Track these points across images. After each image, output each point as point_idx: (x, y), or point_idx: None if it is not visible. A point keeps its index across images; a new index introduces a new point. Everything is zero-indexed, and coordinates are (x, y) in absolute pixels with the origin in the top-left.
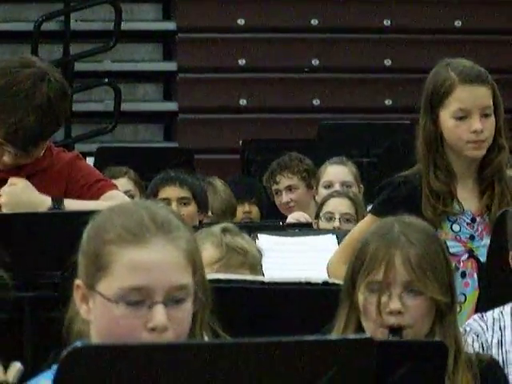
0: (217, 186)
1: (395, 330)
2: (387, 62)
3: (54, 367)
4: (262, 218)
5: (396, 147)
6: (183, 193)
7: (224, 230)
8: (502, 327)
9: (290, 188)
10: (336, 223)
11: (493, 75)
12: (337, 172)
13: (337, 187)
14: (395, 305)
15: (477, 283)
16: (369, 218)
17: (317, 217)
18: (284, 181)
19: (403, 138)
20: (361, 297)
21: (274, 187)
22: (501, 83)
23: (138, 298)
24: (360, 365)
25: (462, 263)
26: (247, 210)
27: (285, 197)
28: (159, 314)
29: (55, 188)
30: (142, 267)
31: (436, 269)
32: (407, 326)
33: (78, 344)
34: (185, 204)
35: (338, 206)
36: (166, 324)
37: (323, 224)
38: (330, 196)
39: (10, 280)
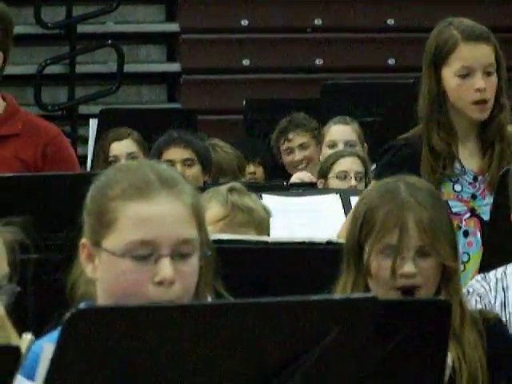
0: (223, 147)
1: (407, 291)
2: (390, 22)
3: (59, 329)
4: (267, 179)
5: (399, 106)
6: (187, 154)
7: (231, 189)
8: (505, 287)
9: (302, 146)
10: (353, 182)
11: (495, 34)
12: (340, 131)
13: (340, 146)
14: (410, 268)
15: (480, 242)
16: (374, 183)
17: (323, 176)
18: (297, 138)
19: (406, 97)
20: (373, 261)
21: (286, 145)
22: (503, 41)
23: (144, 252)
24: (364, 324)
25: (464, 222)
26: (252, 171)
27: (298, 154)
28: (166, 267)
29: (30, 153)
30: (148, 221)
31: (445, 231)
32: (419, 287)
33: (82, 306)
34: (189, 165)
35: (352, 164)
36: (172, 277)
37: (336, 183)
38: (340, 155)
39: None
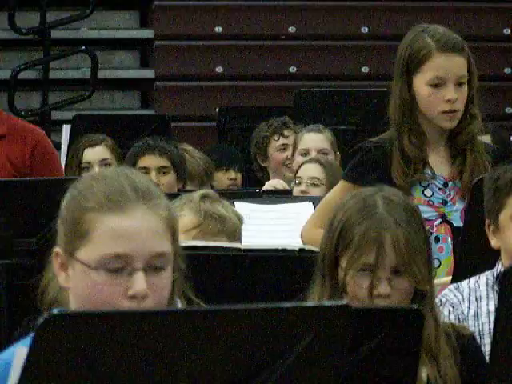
0: (190, 151)
1: None
2: (364, 30)
3: (31, 335)
4: (244, 186)
5: (373, 114)
6: (162, 162)
7: (203, 197)
8: (478, 298)
9: (294, 146)
10: (303, 187)
11: (468, 42)
12: (313, 139)
13: (313, 155)
14: (385, 289)
15: (451, 248)
16: (341, 183)
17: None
18: (292, 137)
19: (380, 106)
20: (350, 280)
21: (281, 141)
22: (477, 50)
23: (118, 265)
24: (337, 331)
25: (435, 228)
26: (233, 177)
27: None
28: (139, 281)
29: (18, 155)
30: (123, 234)
31: (420, 251)
32: None
33: (55, 311)
34: (164, 173)
35: (307, 170)
36: (145, 291)
37: (295, 190)
38: (303, 163)
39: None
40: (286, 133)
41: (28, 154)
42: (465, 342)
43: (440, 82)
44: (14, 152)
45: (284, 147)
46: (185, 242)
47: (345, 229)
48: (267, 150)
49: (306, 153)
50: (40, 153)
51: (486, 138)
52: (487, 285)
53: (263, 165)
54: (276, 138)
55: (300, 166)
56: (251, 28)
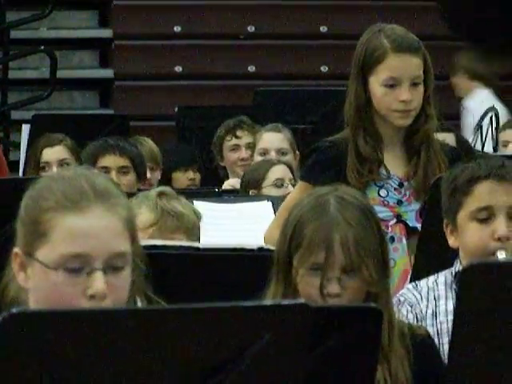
0: (146, 145)
1: None
2: (323, 29)
3: None
4: (202, 186)
5: (332, 114)
6: (123, 162)
7: (160, 194)
8: (437, 297)
9: (249, 145)
10: (290, 188)
11: (426, 42)
12: (272, 139)
13: (272, 154)
14: (334, 288)
15: (406, 248)
16: (300, 184)
17: (254, 185)
18: (246, 137)
19: (339, 105)
20: (301, 279)
21: (233, 142)
22: (434, 49)
23: (76, 265)
24: (296, 330)
25: (390, 228)
26: (192, 177)
27: (245, 152)
28: (98, 281)
29: None
30: (81, 234)
31: (372, 249)
32: None
33: (14, 310)
34: (124, 173)
35: (284, 171)
36: (104, 291)
37: (273, 191)
38: (271, 164)
39: None
40: (238, 133)
41: None
42: (418, 340)
43: (394, 83)
44: None
45: (236, 147)
46: (144, 241)
47: (297, 228)
48: (222, 149)
49: (265, 152)
50: None
51: (450, 137)
52: (445, 284)
53: (221, 164)
54: (229, 138)
55: (270, 168)
56: (210, 27)
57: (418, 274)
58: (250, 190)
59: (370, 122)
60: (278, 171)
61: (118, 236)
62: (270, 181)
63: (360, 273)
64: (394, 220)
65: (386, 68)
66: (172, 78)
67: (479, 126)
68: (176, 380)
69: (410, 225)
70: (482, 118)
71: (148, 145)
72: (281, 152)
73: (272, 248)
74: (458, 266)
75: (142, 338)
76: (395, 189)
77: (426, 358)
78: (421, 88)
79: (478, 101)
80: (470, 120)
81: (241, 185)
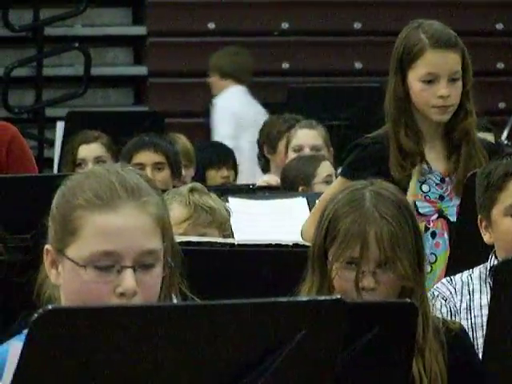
0: (180, 142)
1: None
2: (357, 25)
3: (25, 331)
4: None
5: (366, 110)
6: (158, 158)
7: (191, 190)
8: (471, 291)
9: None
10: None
11: (462, 38)
12: (306, 136)
13: (307, 151)
14: (369, 282)
15: (448, 243)
16: (339, 180)
17: (304, 181)
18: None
19: (373, 101)
20: (336, 273)
21: (295, 143)
22: (471, 46)
23: (107, 263)
24: (331, 326)
25: (431, 223)
26: (226, 175)
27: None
28: (128, 279)
29: None
30: (111, 232)
31: (407, 243)
32: None
33: (49, 307)
34: (159, 169)
35: (330, 167)
36: (134, 289)
37: (323, 188)
38: (319, 160)
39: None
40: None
41: (5, 151)
42: (452, 335)
43: (432, 78)
44: None
45: (299, 148)
46: (179, 237)
47: (332, 222)
48: (277, 143)
49: (299, 149)
50: (17, 148)
51: (490, 136)
52: (480, 278)
53: (267, 155)
54: (276, 139)
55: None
56: (244, 24)
57: (453, 269)
58: (298, 186)
59: (410, 117)
60: (327, 168)
61: (148, 233)
62: (320, 177)
63: (395, 267)
64: (436, 215)
65: (424, 63)
66: (206, 75)
67: None
68: (211, 375)
69: (452, 220)
70: None
71: (181, 142)
72: (315, 149)
73: (307, 244)
74: (492, 261)
75: (176, 333)
76: (437, 184)
77: (460, 352)
78: (459, 84)
79: (229, 97)
80: (221, 116)
81: (284, 181)
